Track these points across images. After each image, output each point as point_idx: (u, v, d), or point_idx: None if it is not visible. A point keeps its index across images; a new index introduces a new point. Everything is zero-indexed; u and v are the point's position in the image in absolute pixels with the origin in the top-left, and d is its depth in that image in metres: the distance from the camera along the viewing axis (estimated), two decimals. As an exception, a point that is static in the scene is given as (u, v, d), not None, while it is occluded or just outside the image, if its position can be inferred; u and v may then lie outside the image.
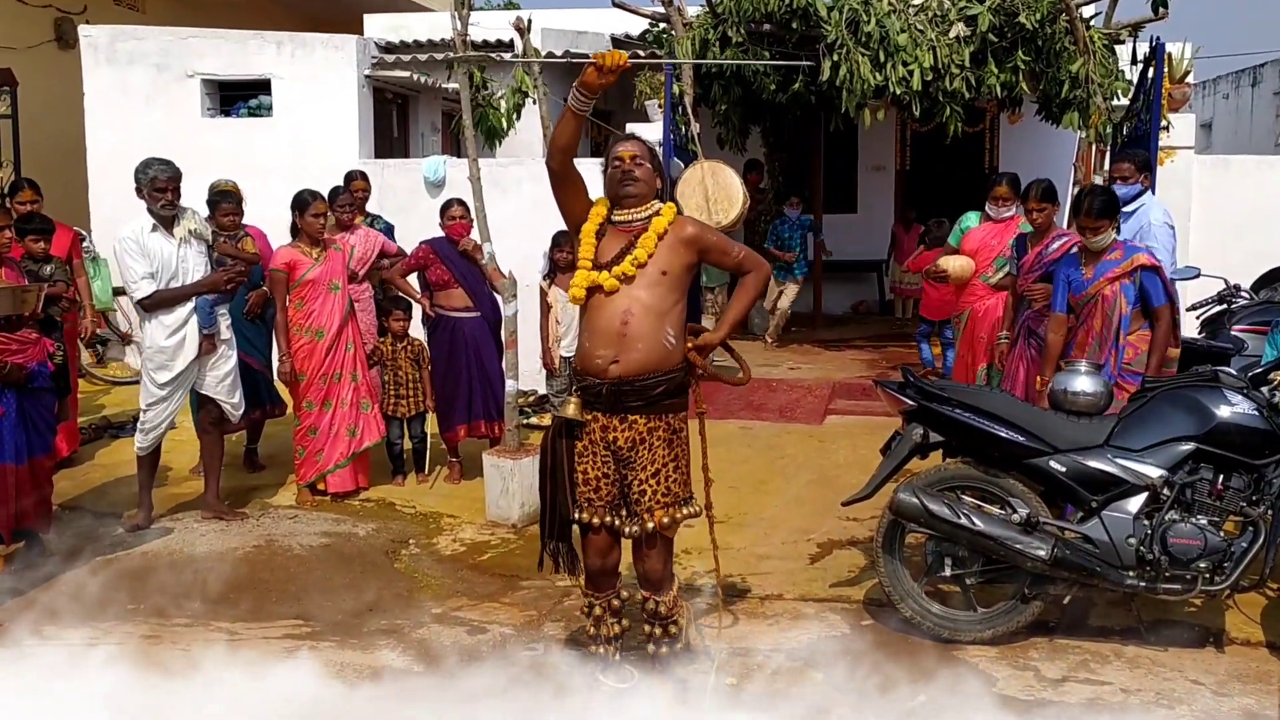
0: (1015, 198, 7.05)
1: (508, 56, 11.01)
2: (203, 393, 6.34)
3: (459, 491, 7.08)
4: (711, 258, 4.15)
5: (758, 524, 6.32)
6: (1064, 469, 4.65)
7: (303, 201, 6.71)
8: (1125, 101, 8.90)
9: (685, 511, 4.12)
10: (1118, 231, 5.47)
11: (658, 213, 4.08)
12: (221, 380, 6.34)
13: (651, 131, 9.42)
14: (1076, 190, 8.73)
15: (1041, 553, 4.55)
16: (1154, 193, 6.88)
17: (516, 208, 9.25)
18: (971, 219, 7.32)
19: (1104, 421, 4.76)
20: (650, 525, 4.05)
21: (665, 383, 4.02)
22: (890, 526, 4.85)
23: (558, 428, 4.16)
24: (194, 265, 6.17)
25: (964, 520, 4.62)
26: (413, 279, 7.35)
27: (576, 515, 4.13)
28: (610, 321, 3.99)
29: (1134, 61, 8.87)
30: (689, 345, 4.10)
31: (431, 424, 7.33)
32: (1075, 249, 5.71)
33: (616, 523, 4.12)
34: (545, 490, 4.19)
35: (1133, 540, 4.55)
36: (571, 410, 4.08)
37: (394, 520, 6.54)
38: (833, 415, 8.99)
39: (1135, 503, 4.60)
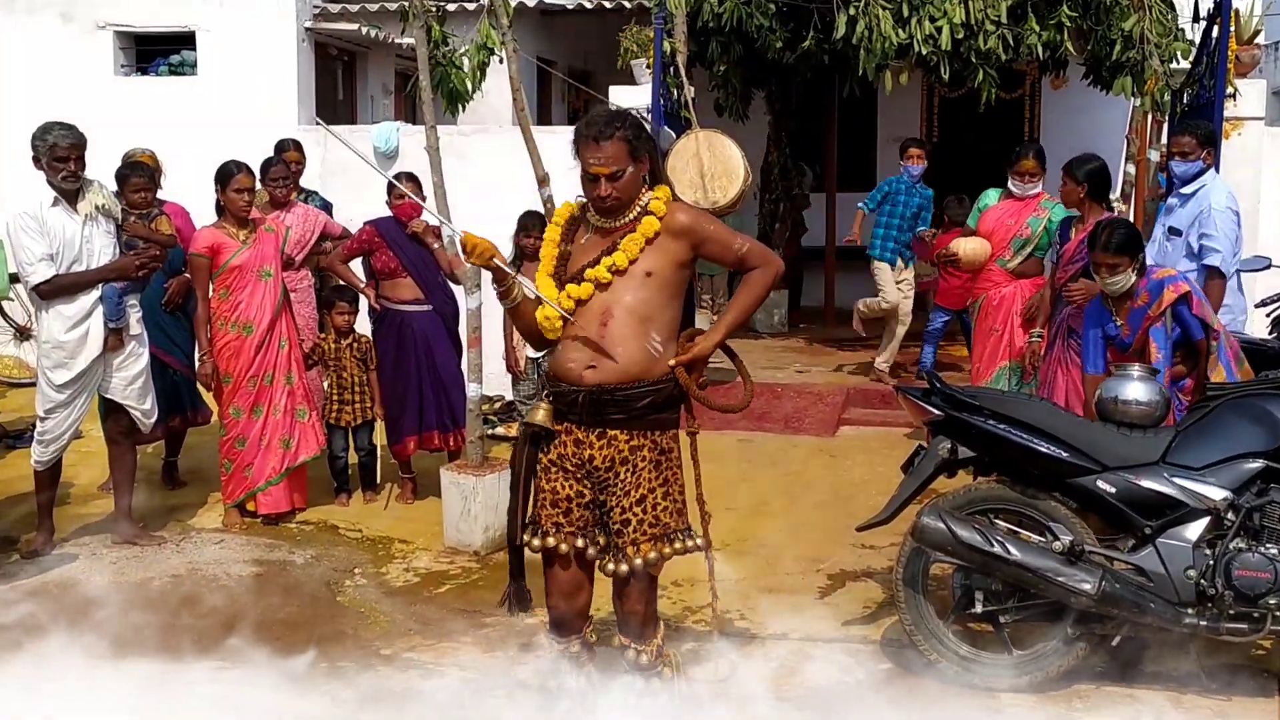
0: (1042, 172, 7.08)
1: (471, 6, 10.99)
2: (110, 397, 6.31)
3: (413, 513, 7.07)
4: (709, 251, 4.06)
5: (759, 552, 6.32)
6: (1113, 489, 4.65)
7: (225, 173, 6.70)
8: (1186, 65, 8.94)
9: (679, 546, 4.06)
10: (1141, 272, 5.34)
11: (646, 209, 4.00)
12: (131, 383, 6.31)
13: (639, 96, 9.43)
14: (1129, 170, 8.77)
15: (1087, 586, 4.56)
16: (1218, 171, 6.91)
17: (480, 183, 9.23)
18: (991, 196, 7.34)
19: (1159, 435, 4.77)
20: (637, 562, 4.01)
21: (651, 394, 3.98)
22: (912, 555, 4.85)
23: (525, 436, 4.14)
24: (100, 247, 6.14)
25: (997, 548, 4.62)
26: (357, 266, 7.33)
27: (534, 540, 4.08)
28: (587, 322, 3.97)
29: (1196, 19, 8.91)
30: (672, 360, 4.02)
31: (381, 434, 7.31)
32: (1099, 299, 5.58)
33: (591, 551, 4.09)
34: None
35: (1192, 572, 4.56)
36: (540, 416, 4.06)
37: (337, 546, 6.52)
38: (847, 426, 8.99)
39: (1195, 529, 4.61)
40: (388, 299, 7.15)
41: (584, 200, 4.11)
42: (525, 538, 4.12)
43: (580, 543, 4.08)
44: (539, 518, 4.10)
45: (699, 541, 4.13)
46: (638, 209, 4.00)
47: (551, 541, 4.07)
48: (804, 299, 12.94)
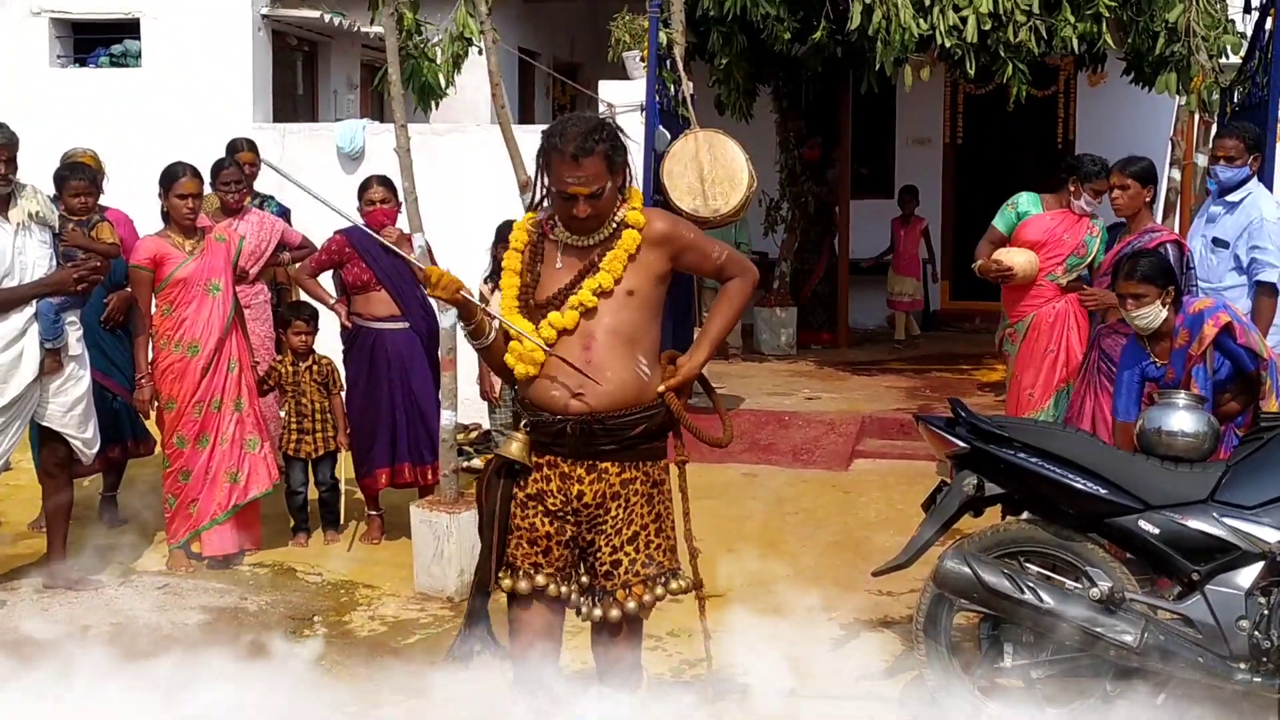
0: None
1: (447, -7, 11.03)
2: (46, 425, 6.31)
3: (379, 554, 7.07)
4: (688, 261, 4.13)
5: (764, 598, 6.31)
6: (1157, 531, 4.66)
7: (170, 176, 6.72)
8: (1236, 60, 8.99)
9: (672, 587, 4.09)
10: (1177, 307, 5.34)
11: (624, 223, 4.03)
12: (70, 409, 6.32)
13: (632, 91, 9.47)
14: (1173, 176, 8.80)
15: (1128, 638, 4.56)
16: (1272, 176, 6.94)
17: (456, 188, 9.27)
18: (1024, 201, 7.31)
19: (1208, 470, 4.78)
20: (630, 605, 4.02)
21: (645, 420, 4.02)
22: (934, 603, 4.85)
23: (496, 469, 4.14)
24: (35, 259, 6.15)
25: (1028, 595, 4.63)
26: (325, 279, 7.34)
27: (520, 583, 4.07)
28: (567, 348, 3.99)
29: (1247, 9, 8.96)
30: (661, 386, 4.06)
31: (346, 467, 7.31)
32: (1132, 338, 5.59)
33: (573, 598, 4.10)
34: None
35: (1245, 623, 4.56)
36: (516, 450, 4.07)
37: (294, 591, 6.51)
38: (861, 459, 9.01)
39: (1248, 575, 4.61)
40: (360, 315, 7.15)
41: (541, 217, 4.12)
42: (501, 578, 4.11)
43: (565, 588, 4.09)
44: (514, 558, 4.10)
45: (688, 582, 4.15)
46: (614, 223, 4.03)
47: (541, 581, 4.06)
48: (813, 317, 12.97)
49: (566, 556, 4.10)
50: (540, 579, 4.07)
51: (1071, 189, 7.04)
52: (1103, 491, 4.71)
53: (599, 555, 4.06)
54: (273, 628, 5.99)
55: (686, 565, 4.20)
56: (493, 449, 7.06)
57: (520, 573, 4.08)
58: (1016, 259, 7.07)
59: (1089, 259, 7.04)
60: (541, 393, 4.03)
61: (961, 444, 4.89)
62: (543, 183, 4.05)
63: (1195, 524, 4.65)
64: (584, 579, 4.13)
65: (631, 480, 4.04)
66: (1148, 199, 6.49)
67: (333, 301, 7.26)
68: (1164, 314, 5.34)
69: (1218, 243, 6.62)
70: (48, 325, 6.13)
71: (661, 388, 4.06)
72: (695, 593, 4.22)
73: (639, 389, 4.02)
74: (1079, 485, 4.72)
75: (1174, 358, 5.35)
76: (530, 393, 4.07)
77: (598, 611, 4.07)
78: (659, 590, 4.06)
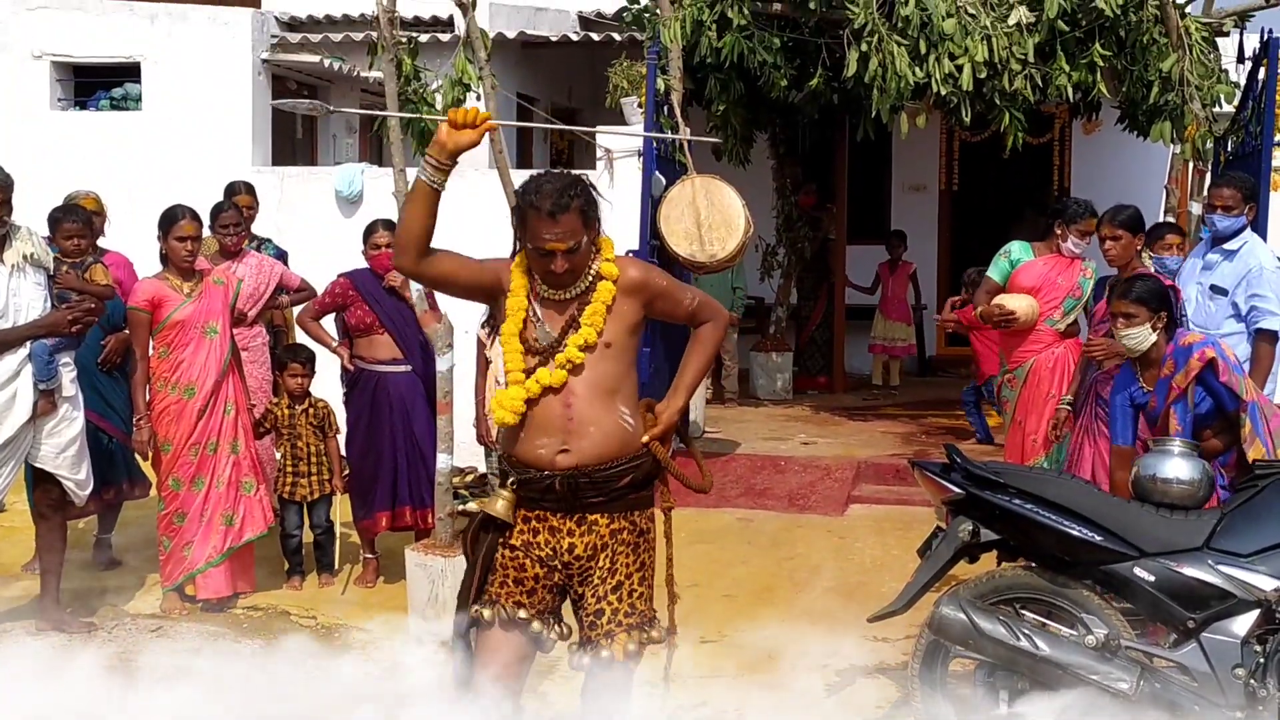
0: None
1: (446, 38, 11.12)
2: (39, 466, 6.30)
3: (374, 598, 7.05)
4: (660, 308, 4.20)
5: (758, 644, 6.29)
6: (1152, 578, 4.67)
7: (169, 219, 6.74)
8: (1230, 109, 9.06)
9: (654, 635, 4.14)
10: (1169, 336, 5.41)
11: (599, 275, 4.08)
12: (63, 450, 6.31)
13: (630, 137, 9.52)
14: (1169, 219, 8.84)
15: (1124, 685, 4.56)
16: (1266, 224, 6.98)
17: (453, 232, 9.19)
18: (1017, 249, 7.37)
19: (1203, 518, 4.79)
20: (615, 652, 4.04)
21: (631, 471, 4.08)
22: (930, 649, 4.85)
23: (482, 524, 4.17)
24: (29, 300, 6.15)
25: (1024, 642, 4.63)
26: (327, 323, 7.35)
27: (489, 613, 4.08)
28: (548, 409, 4.04)
29: (1240, 59, 9.04)
30: (645, 436, 4.12)
31: (342, 509, 7.30)
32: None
33: (547, 641, 4.11)
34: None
35: (1240, 671, 4.55)
36: (500, 508, 4.10)
37: (289, 635, 6.48)
38: (857, 504, 8.99)
39: (1244, 623, 4.61)
40: (363, 359, 7.18)
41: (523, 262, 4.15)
42: (480, 610, 4.11)
43: (544, 629, 4.11)
44: (497, 595, 4.12)
45: (663, 632, 4.19)
46: (590, 276, 4.09)
47: (523, 615, 4.07)
48: (811, 362, 12.99)
49: (550, 601, 4.14)
50: (522, 614, 4.10)
51: (1058, 232, 7.09)
52: (1098, 538, 4.72)
53: (584, 604, 4.11)
54: (266, 672, 5.96)
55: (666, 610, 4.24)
56: (481, 501, 7.04)
57: (499, 606, 4.10)
58: (1018, 304, 7.11)
59: (1083, 300, 7.08)
60: (528, 450, 4.07)
61: (957, 490, 4.90)
62: (519, 239, 4.10)
63: (1191, 571, 4.65)
64: (567, 628, 4.16)
65: (619, 530, 4.10)
66: (1138, 247, 6.56)
67: (335, 345, 7.27)
68: (1153, 338, 5.38)
69: (1216, 290, 6.65)
70: (41, 366, 6.13)
71: (646, 437, 4.12)
72: (669, 640, 4.25)
73: (623, 440, 4.07)
74: (1074, 532, 4.73)
75: (1159, 386, 5.39)
76: (516, 450, 4.11)
77: (585, 659, 4.10)
78: (643, 637, 4.10)
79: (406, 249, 4.09)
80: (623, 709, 4.16)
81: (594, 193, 4.11)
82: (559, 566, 4.09)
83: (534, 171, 4.27)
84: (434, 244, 4.12)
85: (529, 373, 4.05)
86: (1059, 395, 6.93)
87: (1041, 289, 7.11)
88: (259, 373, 7.55)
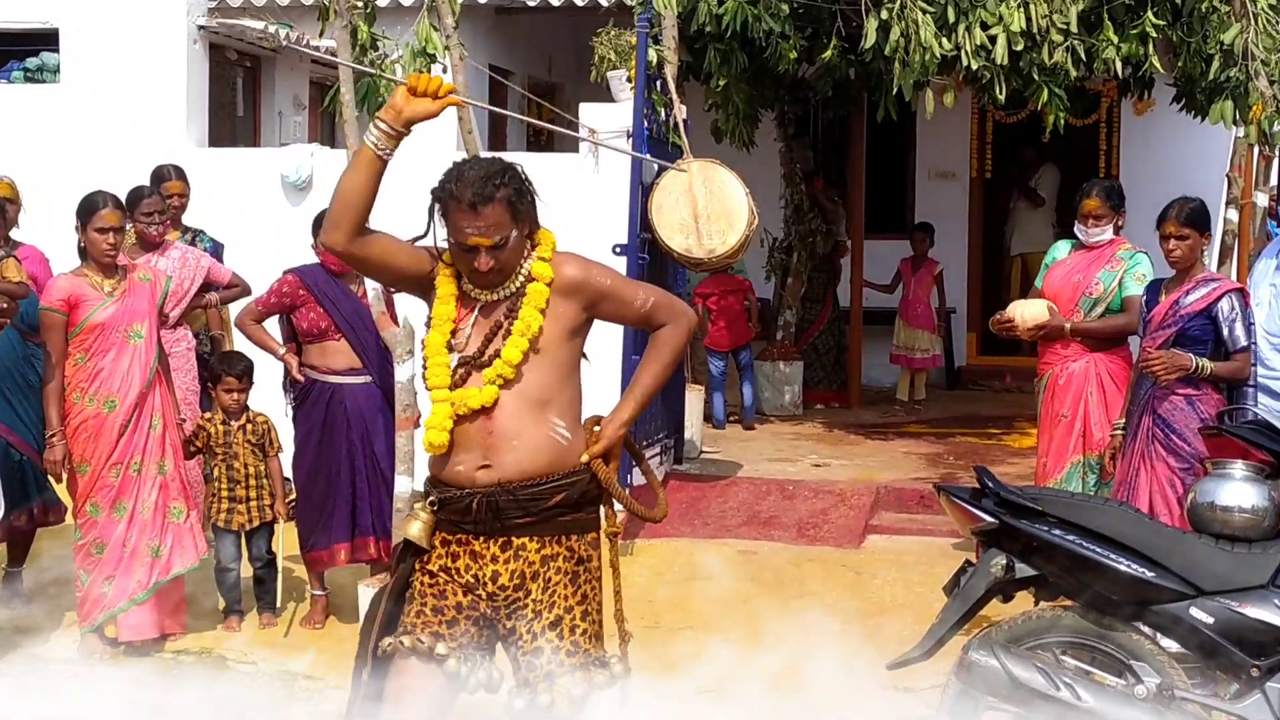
0: (1112, 214, 7.12)
1: (407, 2, 11.11)
2: (-57, 488, 6.29)
3: (323, 640, 7.04)
4: (606, 310, 4.20)
5: (763, 694, 6.29)
6: (1211, 620, 4.67)
7: (88, 207, 6.72)
8: (1301, 86, 9.08)
9: (600, 677, 4.10)
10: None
11: (530, 276, 4.08)
12: (-29, 470, 6.29)
13: (618, 115, 9.50)
14: (1230, 217, 8.85)
15: (1179, 743, 4.56)
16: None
17: (414, 220, 9.26)
18: (1061, 249, 7.41)
19: (1269, 551, 4.79)
20: (554, 698, 4.00)
21: (564, 489, 4.08)
22: (958, 700, 4.85)
23: (400, 552, 4.20)
24: (-64, 300, 6.15)
25: (1065, 693, 4.62)
26: (272, 326, 7.32)
27: (401, 642, 4.07)
28: (470, 422, 4.04)
29: (1313, 29, 9.05)
30: (584, 455, 4.11)
31: (283, 540, 7.28)
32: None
33: (471, 682, 4.08)
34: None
35: (1312, 726, 4.57)
36: (415, 531, 4.12)
37: (225, 683, 6.47)
38: (875, 534, 8.99)
39: (1316, 671, 4.62)
40: (314, 368, 7.13)
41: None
42: (396, 641, 4.10)
43: (465, 668, 4.07)
44: (412, 626, 4.11)
45: (616, 675, 4.16)
46: (521, 276, 4.10)
47: (442, 650, 4.05)
48: (813, 372, 12.97)
49: (475, 635, 4.12)
50: (440, 648, 4.07)
51: (1078, 222, 7.14)
52: (1150, 574, 4.72)
53: (520, 643, 4.08)
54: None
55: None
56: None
57: (415, 637, 4.08)
58: (1025, 310, 7.14)
59: (1105, 299, 7.05)
60: (447, 468, 4.09)
61: (989, 518, 4.90)
62: (439, 233, 4.12)
63: (1255, 612, 4.66)
64: (499, 673, 4.13)
65: (553, 557, 4.09)
66: (1204, 246, 6.52)
67: (282, 351, 7.22)
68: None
69: None
70: (-54, 375, 6.12)
71: (585, 456, 4.11)
72: (620, 683, 4.21)
73: (553, 455, 4.07)
74: (1122, 567, 4.73)
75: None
76: (434, 466, 4.14)
77: (519, 703, 4.07)
78: (588, 681, 4.06)
79: (340, 223, 4.09)
80: None
81: (525, 183, 4.10)
82: (484, 596, 4.09)
83: (509, 153, 4.25)
84: (404, 232, 4.12)
85: (455, 386, 4.05)
86: (1072, 417, 6.93)
87: (1060, 291, 7.16)
88: (184, 382, 7.50)
